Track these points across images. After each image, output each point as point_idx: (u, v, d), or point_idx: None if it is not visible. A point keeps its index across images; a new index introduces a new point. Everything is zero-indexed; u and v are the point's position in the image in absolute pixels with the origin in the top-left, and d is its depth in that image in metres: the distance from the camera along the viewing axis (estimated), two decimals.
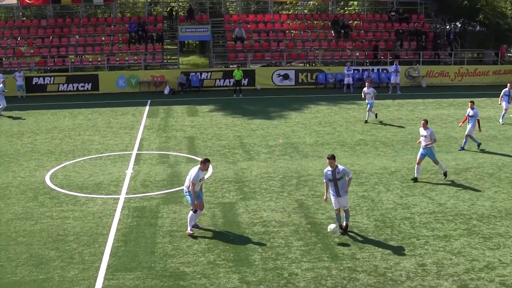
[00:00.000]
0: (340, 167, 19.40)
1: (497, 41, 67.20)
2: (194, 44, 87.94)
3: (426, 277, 16.60)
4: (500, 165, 28.25)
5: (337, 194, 19.45)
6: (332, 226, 19.22)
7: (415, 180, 25.53)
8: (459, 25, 73.78)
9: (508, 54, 69.71)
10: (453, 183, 25.28)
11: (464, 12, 68.74)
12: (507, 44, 68.36)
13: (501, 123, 37.29)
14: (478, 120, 30.70)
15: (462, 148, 30.96)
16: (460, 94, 49.03)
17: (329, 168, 19.35)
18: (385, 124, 37.02)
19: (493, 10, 68.62)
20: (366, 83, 38.18)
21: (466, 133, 30.99)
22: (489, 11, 67.95)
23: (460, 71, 56.47)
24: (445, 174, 25.90)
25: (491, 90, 50.42)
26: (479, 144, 30.96)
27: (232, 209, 22.22)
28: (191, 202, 19.53)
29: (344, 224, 19.84)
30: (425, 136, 25.39)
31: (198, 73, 53.60)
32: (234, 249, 18.62)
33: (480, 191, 24.33)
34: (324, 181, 19.72)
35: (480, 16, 68.25)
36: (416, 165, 25.76)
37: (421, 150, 25.67)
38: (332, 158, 19.27)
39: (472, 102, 30.97)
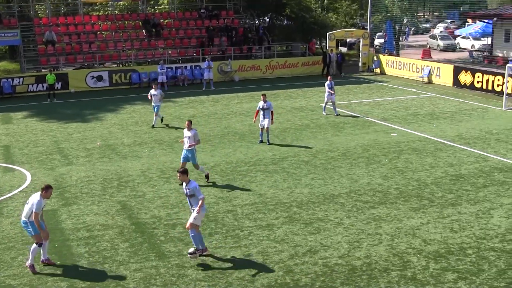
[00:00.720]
0: (193, 183, 18.07)
1: (304, 33, 69.92)
2: (4, 49, 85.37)
3: (253, 267, 17.33)
4: (315, 152, 29.66)
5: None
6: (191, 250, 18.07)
7: (206, 177, 25.52)
8: (268, 19, 75.93)
9: (316, 46, 72.61)
10: (271, 173, 26.25)
11: (271, 7, 70.97)
12: (312, 35, 71.30)
13: (335, 114, 38.72)
14: (272, 112, 30.85)
15: (262, 141, 31.58)
16: (272, 86, 50.59)
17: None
18: (172, 127, 36.26)
19: (299, 4, 71.08)
20: (153, 85, 36.81)
21: (266, 126, 30.95)
22: (295, 6, 70.34)
23: (271, 64, 58.20)
24: (207, 177, 25.47)
25: (301, 81, 52.63)
26: (261, 141, 31.64)
27: (54, 216, 21.97)
28: (34, 234, 17.43)
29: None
30: (189, 137, 24.84)
31: (10, 79, 52.09)
32: (60, 256, 18.52)
33: (297, 179, 25.48)
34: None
35: (287, 11, 70.64)
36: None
37: (184, 152, 25.22)
38: (182, 172, 18.28)
39: (265, 95, 31.22)
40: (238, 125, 36.16)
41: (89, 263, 17.94)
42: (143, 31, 59.62)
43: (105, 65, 57.02)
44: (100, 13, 71.00)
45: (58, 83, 50.19)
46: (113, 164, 28.56)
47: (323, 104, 39.47)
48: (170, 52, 57.06)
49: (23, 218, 17.66)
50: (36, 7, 69.83)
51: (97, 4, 71.46)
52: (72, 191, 24.74)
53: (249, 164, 27.72)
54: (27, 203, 17.59)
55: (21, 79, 51.84)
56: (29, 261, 17.59)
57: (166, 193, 24.04)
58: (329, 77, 39.58)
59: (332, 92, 38.21)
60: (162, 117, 37.19)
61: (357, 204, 22.47)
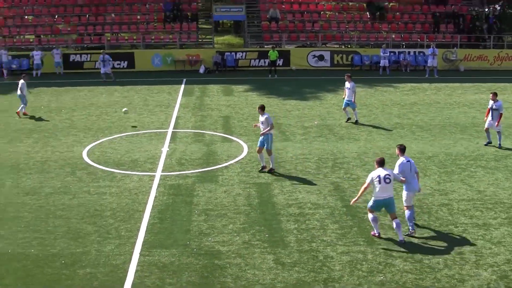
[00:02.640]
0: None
1: None
2: (229, 24, 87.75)
3: (464, 266, 16.42)
4: None
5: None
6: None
7: (262, 168, 24.57)
8: (499, 8, 72.53)
9: None
10: (493, 170, 24.89)
11: None
12: None
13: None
14: (501, 114, 28.16)
15: (489, 143, 28.74)
16: (499, 79, 48.07)
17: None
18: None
19: None
20: (346, 77, 33.55)
21: (496, 129, 28.39)
22: None
23: (500, 55, 55.19)
24: (270, 171, 24.40)
25: None
26: (488, 143, 28.77)
27: (267, 189, 22.22)
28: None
29: None
30: (262, 122, 24.24)
31: (233, 53, 53.50)
32: (269, 229, 18.64)
33: None
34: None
35: None
36: (257, 154, 24.83)
37: (260, 138, 24.52)
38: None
39: (495, 94, 28.56)
40: (461, 117, 34.67)
41: (296, 240, 17.87)
42: (367, 13, 59.07)
43: (327, 45, 57.04)
44: None
45: (279, 60, 50.93)
46: (329, 144, 28.40)
47: None
48: (393, 36, 56.16)
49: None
50: None
51: None
52: (286, 167, 24.84)
53: (470, 158, 26.51)
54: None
55: (244, 53, 53.15)
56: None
57: None
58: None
59: None
60: (349, 118, 33.60)
61: None
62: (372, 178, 17.64)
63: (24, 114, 34.73)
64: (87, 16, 58.53)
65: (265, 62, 52.19)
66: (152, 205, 20.62)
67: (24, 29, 57.88)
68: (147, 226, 18.83)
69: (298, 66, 52.57)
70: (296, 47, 56.86)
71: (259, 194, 21.75)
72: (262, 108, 24.61)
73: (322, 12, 59.51)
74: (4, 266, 16.38)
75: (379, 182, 17.53)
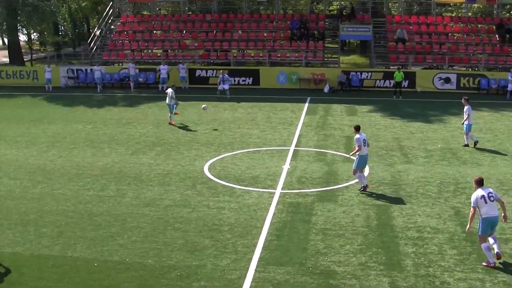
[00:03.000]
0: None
1: None
2: (355, 44, 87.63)
3: None
4: None
5: None
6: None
7: (363, 188, 24.40)
8: None
9: None
10: None
11: None
12: None
13: None
14: None
15: None
16: None
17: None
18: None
19: None
20: (463, 100, 32.77)
21: None
22: None
23: None
24: (362, 189, 24.36)
25: None
26: None
27: (387, 211, 22.00)
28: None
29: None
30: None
31: (359, 73, 53.37)
32: (386, 252, 18.44)
33: None
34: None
35: None
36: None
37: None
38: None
39: None
40: None
41: (413, 264, 17.60)
42: (496, 36, 57.74)
43: (453, 67, 56.06)
44: (453, 15, 70.25)
45: (405, 81, 50.44)
46: (452, 168, 27.87)
47: None
48: None
49: None
50: (390, 4, 70.71)
51: (451, 5, 70.50)
52: (407, 190, 24.54)
53: None
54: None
55: (370, 73, 52.95)
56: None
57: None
58: None
59: None
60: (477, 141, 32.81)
61: None
62: (477, 198, 17.41)
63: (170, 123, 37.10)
64: (215, 32, 59.71)
65: (390, 83, 51.80)
66: (270, 222, 20.76)
67: (152, 44, 59.72)
68: (264, 243, 18.97)
69: (423, 88, 51.87)
70: (422, 68, 56.16)
71: (378, 215, 21.57)
72: (356, 129, 24.73)
73: (450, 34, 58.69)
74: (121, 274, 16.86)
75: (485, 201, 17.32)
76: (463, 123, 32.44)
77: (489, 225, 17.57)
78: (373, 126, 37.07)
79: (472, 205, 17.55)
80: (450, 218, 21.42)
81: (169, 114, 37.83)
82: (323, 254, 18.17)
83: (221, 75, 48.27)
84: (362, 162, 24.53)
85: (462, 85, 52.39)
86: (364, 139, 24.33)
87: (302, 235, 19.65)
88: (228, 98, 46.55)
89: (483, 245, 17.62)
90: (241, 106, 44.00)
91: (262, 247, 18.60)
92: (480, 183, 17.75)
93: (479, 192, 17.49)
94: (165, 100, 38.11)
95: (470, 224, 17.79)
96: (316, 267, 17.28)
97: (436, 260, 17.90)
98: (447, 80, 52.36)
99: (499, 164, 28.70)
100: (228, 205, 22.47)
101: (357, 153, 24.35)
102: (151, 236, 19.58)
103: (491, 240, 17.64)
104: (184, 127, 36.46)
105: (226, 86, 47.26)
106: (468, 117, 31.77)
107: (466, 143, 32.27)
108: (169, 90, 37.29)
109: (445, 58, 54.88)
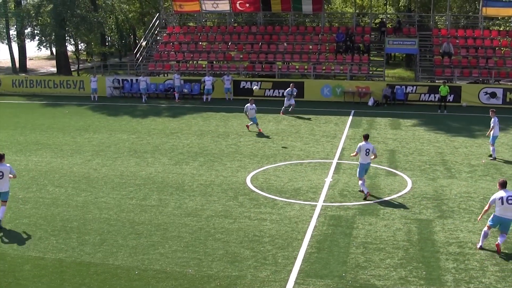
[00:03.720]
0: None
1: None
2: (401, 57, 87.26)
3: None
4: None
5: None
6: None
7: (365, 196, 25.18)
8: None
9: None
10: None
11: None
12: None
13: None
14: None
15: None
16: None
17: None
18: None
19: None
20: (491, 112, 33.46)
21: None
22: None
23: None
24: (365, 195, 25.18)
25: None
26: None
27: (428, 226, 21.82)
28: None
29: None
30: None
31: (403, 86, 53.02)
32: (427, 267, 18.29)
33: None
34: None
35: None
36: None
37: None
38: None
39: None
40: None
41: (454, 279, 17.43)
42: None
43: (500, 82, 55.44)
44: (501, 29, 69.36)
45: (450, 95, 50.00)
46: (495, 184, 27.34)
47: None
48: None
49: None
50: (436, 18, 70.18)
51: (498, 19, 69.80)
52: (450, 205, 24.30)
53: None
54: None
55: (414, 87, 52.58)
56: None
57: None
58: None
59: None
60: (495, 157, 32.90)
61: None
62: (495, 198, 19.31)
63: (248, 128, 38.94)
64: (260, 44, 59.88)
65: (435, 97, 51.35)
66: (311, 235, 20.72)
67: (198, 55, 60.05)
68: (304, 255, 18.94)
69: (469, 102, 51.38)
70: (468, 83, 55.63)
71: (419, 230, 21.40)
72: (364, 137, 25.60)
73: (497, 48, 58.10)
74: (161, 283, 16.98)
75: (502, 203, 19.05)
76: (487, 135, 33.24)
77: (500, 222, 19.26)
78: (416, 139, 36.82)
79: (489, 202, 19.62)
80: (492, 234, 21.07)
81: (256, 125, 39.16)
82: (363, 267, 18.09)
83: (289, 89, 46.55)
84: (361, 170, 25.36)
85: (508, 100, 51.74)
86: (367, 149, 25.04)
87: (342, 248, 19.58)
88: (290, 112, 46.26)
89: (484, 230, 19.67)
90: (285, 118, 44.00)
91: (302, 260, 18.57)
92: (503, 185, 19.45)
93: (500, 193, 19.29)
94: (209, 111, 38.19)
95: (481, 216, 20.17)
96: (356, 280, 17.20)
97: (477, 276, 17.71)
98: (493, 95, 51.76)
99: None
100: (270, 216, 22.47)
101: (359, 161, 25.38)
102: (192, 246, 19.67)
103: (500, 238, 19.23)
104: (227, 138, 36.56)
105: (293, 101, 46.23)
106: (492, 129, 32.44)
107: (493, 155, 32.53)
108: (248, 105, 38.71)
109: (492, 72, 54.30)
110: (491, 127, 32.45)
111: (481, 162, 31.60)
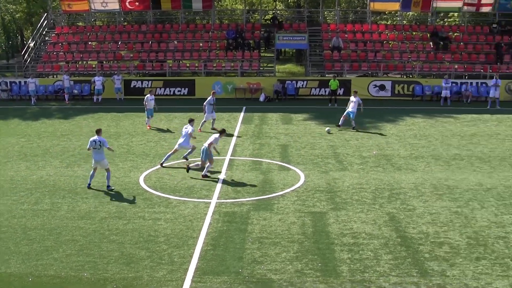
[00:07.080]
0: None
1: None
2: (291, 52, 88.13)
3: None
4: None
5: None
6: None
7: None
8: None
9: None
10: None
11: None
12: None
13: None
14: None
15: None
16: None
17: None
18: (449, 144, 34.95)
19: None
20: (353, 93, 40.92)
21: None
22: None
23: None
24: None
25: None
26: None
27: (322, 218, 22.09)
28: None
29: None
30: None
31: (294, 82, 53.69)
32: (322, 258, 18.49)
33: None
34: None
35: None
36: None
37: None
38: None
39: None
40: None
41: (349, 270, 17.68)
42: (430, 43, 58.70)
43: (388, 75, 56.75)
44: (388, 23, 71.01)
45: (340, 89, 50.79)
46: (387, 175, 28.16)
47: None
48: (456, 66, 55.62)
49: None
50: (325, 13, 71.20)
51: (386, 13, 71.40)
52: (342, 197, 24.69)
53: None
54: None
55: (305, 82, 53.34)
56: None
57: (437, 210, 23.14)
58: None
59: None
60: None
61: None
62: None
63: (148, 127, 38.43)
64: (150, 43, 59.48)
65: (325, 91, 52.16)
66: (206, 232, 20.67)
67: (87, 55, 59.12)
68: (200, 253, 18.87)
69: (358, 95, 52.13)
70: (357, 76, 56.73)
71: (313, 223, 21.65)
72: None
73: (385, 42, 59.49)
74: None
75: None
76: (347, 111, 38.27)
77: None
78: (308, 134, 37.30)
79: None
80: (385, 223, 21.61)
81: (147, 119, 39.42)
82: (259, 262, 18.15)
83: (210, 97, 39.73)
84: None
85: (396, 92, 53.14)
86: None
87: (238, 244, 19.61)
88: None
89: None
90: (177, 116, 43.78)
91: (199, 257, 18.50)
92: None
93: None
94: (100, 112, 37.69)
95: None
96: (253, 275, 17.25)
97: (371, 265, 18.02)
98: (382, 87, 53.02)
99: (433, 170, 29.09)
100: (164, 216, 22.30)
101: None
102: (86, 249, 19.32)
103: None
104: (118, 138, 36.15)
105: (214, 115, 41.94)
106: (354, 106, 38.38)
107: (353, 125, 37.86)
108: (147, 96, 39.24)
109: (380, 65, 55.60)
110: (354, 104, 39.03)
111: (372, 153, 32.25)
